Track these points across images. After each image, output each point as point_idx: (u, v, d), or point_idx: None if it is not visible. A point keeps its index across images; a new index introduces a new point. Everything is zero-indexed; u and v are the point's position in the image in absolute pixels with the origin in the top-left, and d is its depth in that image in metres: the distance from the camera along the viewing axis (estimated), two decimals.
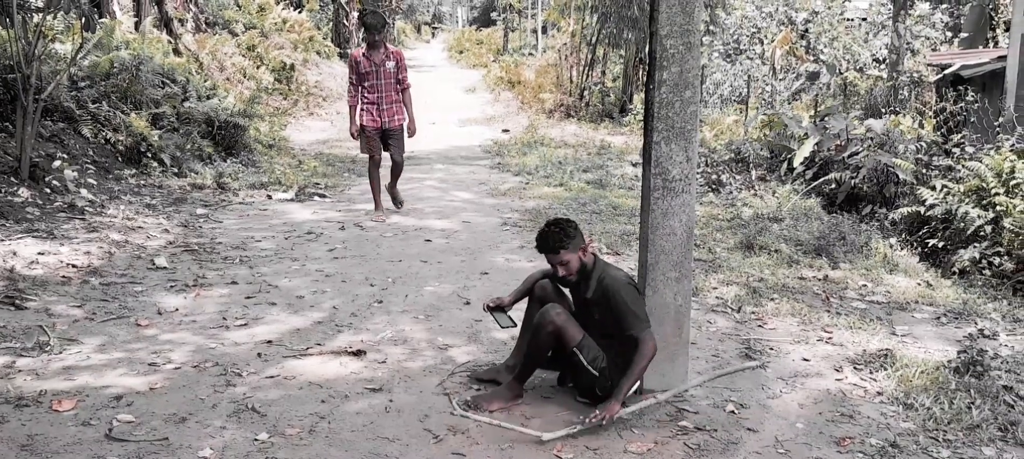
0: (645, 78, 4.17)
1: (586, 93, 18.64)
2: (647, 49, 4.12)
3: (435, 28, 62.72)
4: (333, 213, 8.44)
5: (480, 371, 4.36)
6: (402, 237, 7.46)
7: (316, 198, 9.32)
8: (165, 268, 6.07)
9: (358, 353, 4.56)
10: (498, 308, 4.20)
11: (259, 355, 4.49)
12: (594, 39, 18.45)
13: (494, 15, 45.52)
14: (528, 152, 13.03)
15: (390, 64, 7.59)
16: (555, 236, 3.93)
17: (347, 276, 6.13)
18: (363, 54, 7.59)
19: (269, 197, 9.13)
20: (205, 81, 12.65)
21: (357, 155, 12.76)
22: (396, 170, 8.06)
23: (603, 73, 19.61)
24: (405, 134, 7.92)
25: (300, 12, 22.51)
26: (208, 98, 11.17)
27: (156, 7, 14.32)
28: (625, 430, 3.71)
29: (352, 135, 7.78)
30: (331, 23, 26.81)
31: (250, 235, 7.30)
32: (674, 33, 3.91)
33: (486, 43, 39.06)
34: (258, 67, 16.39)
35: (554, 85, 20.08)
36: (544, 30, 33.69)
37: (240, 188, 9.34)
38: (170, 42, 13.53)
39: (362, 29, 7.69)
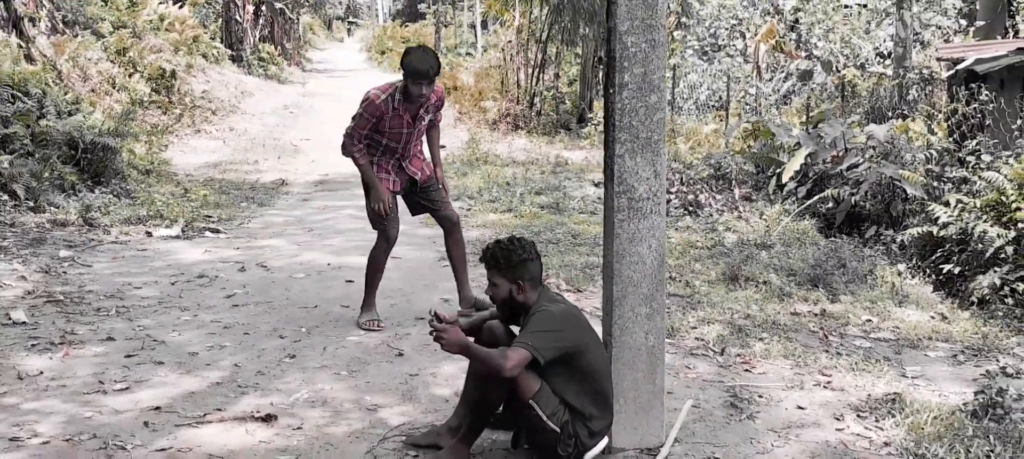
0: (604, 82, 4.38)
1: (537, 100, 18.97)
2: (605, 48, 4.33)
3: (351, 24, 62.96)
4: (230, 252, 8.49)
5: (417, 435, 4.47)
6: (317, 278, 7.55)
7: (208, 234, 9.36)
8: (24, 323, 6.07)
9: (268, 418, 4.64)
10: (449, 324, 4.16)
11: (146, 424, 4.53)
12: (545, 36, 18.81)
13: (423, 7, 45.91)
14: (469, 172, 13.22)
15: (428, 118, 6.31)
16: (496, 252, 4.19)
17: (251, 327, 6.20)
18: (394, 106, 6.06)
19: (149, 234, 9.14)
20: (65, 94, 12.61)
21: (258, 180, 12.85)
22: (454, 234, 6.59)
23: (557, 76, 20.01)
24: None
25: (181, 7, 22.50)
26: (70, 115, 11.16)
27: (1, 5, 14.24)
28: None
29: (377, 209, 6.31)
30: (220, 20, 26.81)
31: (127, 281, 7.32)
32: (636, 29, 4.13)
33: (414, 41, 39.37)
34: (131, 75, 16.36)
35: (498, 91, 20.39)
36: (484, 25, 34.14)
37: (112, 224, 9.33)
38: (20, 46, 13.45)
39: (411, 76, 5.95)
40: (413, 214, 6.72)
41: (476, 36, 33.47)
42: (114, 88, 15.47)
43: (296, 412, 4.76)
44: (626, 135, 4.20)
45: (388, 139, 6.19)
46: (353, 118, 6.20)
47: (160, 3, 21.08)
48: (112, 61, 16.47)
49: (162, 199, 10.76)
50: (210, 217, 10.11)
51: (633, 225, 4.24)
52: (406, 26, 46.05)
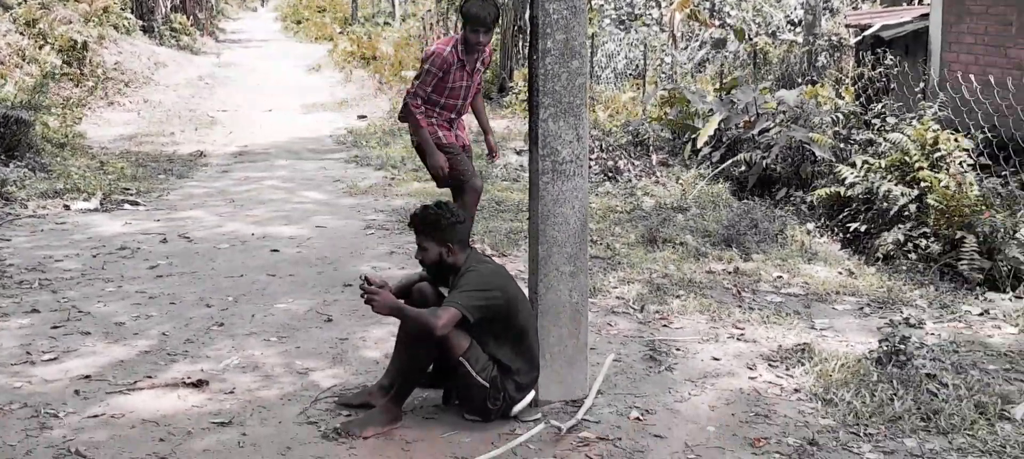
0: (528, 50, 4.51)
1: None
2: (527, 15, 4.46)
3: None
4: (150, 224, 8.44)
5: (349, 396, 4.59)
6: (242, 249, 7.57)
7: (127, 206, 9.27)
8: None
9: (199, 384, 4.71)
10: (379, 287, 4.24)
11: (77, 392, 4.57)
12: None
13: None
14: (391, 141, 13.24)
15: (482, 70, 6.44)
16: (424, 217, 4.32)
17: (177, 297, 6.21)
18: (459, 57, 6.13)
19: (67, 207, 9.02)
20: None
21: (175, 152, 12.70)
22: (475, 201, 6.72)
23: None
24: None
25: None
26: None
27: None
28: (521, 447, 4.02)
29: (439, 172, 6.37)
30: None
31: (48, 254, 7.24)
32: None
33: (330, 10, 38.95)
34: (41, 47, 15.95)
35: (419, 60, 20.37)
36: None
37: (29, 198, 9.18)
38: None
39: (461, 19, 6.22)
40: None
41: (394, 5, 33.22)
42: (24, 61, 15.07)
43: (227, 377, 4.83)
44: (549, 100, 4.34)
45: (448, 97, 6.24)
46: (416, 77, 6.27)
47: None
48: (21, 33, 16.03)
49: (78, 172, 10.59)
50: (128, 190, 9.99)
51: (557, 187, 4.39)
52: None
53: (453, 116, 6.40)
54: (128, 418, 4.31)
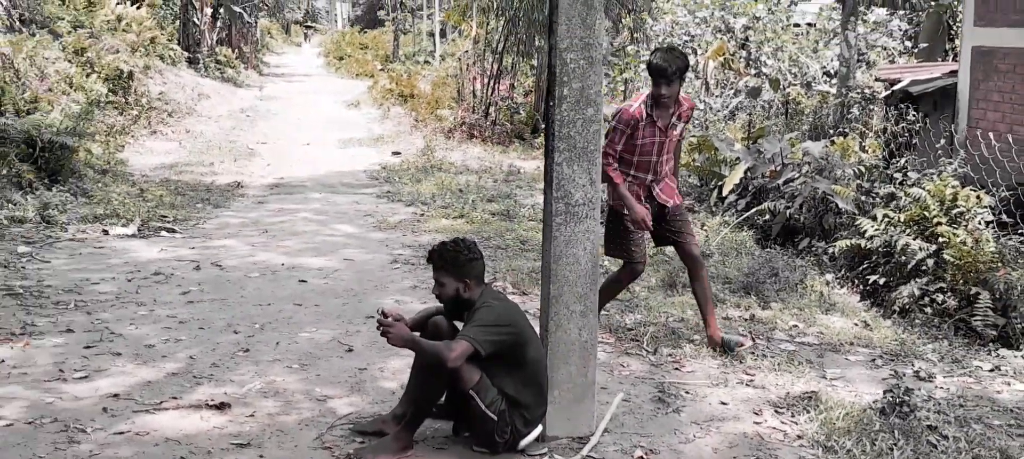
0: (545, 97, 4.69)
1: (492, 110, 19.27)
2: (547, 63, 4.65)
3: (309, 28, 62.94)
4: (185, 251, 8.69)
5: (363, 423, 4.76)
6: (272, 278, 7.79)
7: (164, 233, 9.54)
8: None
9: (222, 406, 4.90)
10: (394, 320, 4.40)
11: (105, 410, 4.78)
12: (500, 46, 19.13)
13: (382, 14, 46.16)
14: (423, 178, 13.49)
15: (679, 126, 6.07)
16: (443, 253, 4.48)
17: (206, 322, 6.43)
18: (648, 113, 5.87)
19: (106, 232, 9.31)
20: (23, 92, 12.69)
21: (213, 182, 13.02)
22: (697, 272, 6.21)
23: (512, 87, 20.33)
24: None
25: (139, 8, 22.53)
26: (28, 113, 11.26)
27: None
28: None
29: (641, 224, 5.97)
30: (178, 22, 26.85)
31: (85, 277, 7.51)
32: (574, 46, 4.45)
33: (372, 47, 39.60)
34: (88, 75, 16.41)
35: (454, 100, 20.66)
36: (443, 33, 34.42)
37: (70, 222, 9.49)
38: None
39: (652, 75, 5.84)
40: (657, 245, 6.48)
41: (435, 44, 33.72)
42: (71, 88, 15.51)
43: (249, 401, 5.02)
44: (564, 145, 4.52)
45: (640, 154, 5.92)
46: (606, 136, 5.85)
47: (118, 3, 21.11)
48: (70, 61, 16.50)
49: (118, 198, 10.91)
50: (166, 217, 10.28)
51: (570, 229, 4.56)
52: (365, 32, 46.21)
53: (649, 178, 5.99)
54: (152, 436, 4.51)
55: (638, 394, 5.32)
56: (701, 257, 6.26)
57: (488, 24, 19.98)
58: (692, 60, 21.27)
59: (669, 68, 5.70)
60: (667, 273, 8.02)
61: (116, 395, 4.99)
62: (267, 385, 5.27)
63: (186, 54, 25.03)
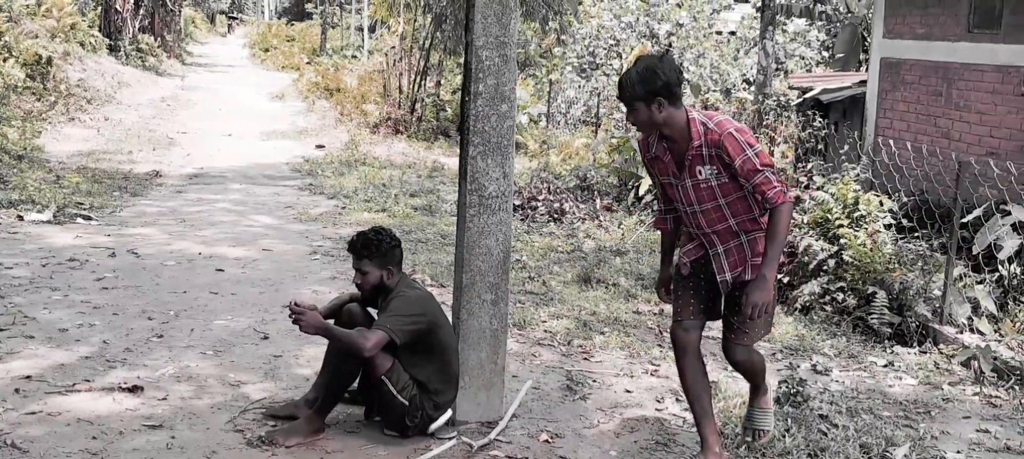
0: (461, 93, 4.83)
1: (418, 106, 19.34)
2: (463, 59, 4.78)
3: (233, 19, 62.14)
4: (101, 238, 8.63)
5: (276, 408, 4.83)
6: (187, 266, 7.79)
7: (79, 220, 9.44)
8: None
9: (134, 389, 4.94)
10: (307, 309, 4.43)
11: (17, 391, 4.78)
12: (428, 43, 19.21)
13: (310, 7, 45.80)
14: (346, 172, 13.52)
15: (706, 171, 4.11)
16: (367, 241, 4.57)
17: (120, 308, 6.43)
18: (655, 143, 4.26)
19: (20, 218, 9.18)
20: None
21: (132, 170, 12.88)
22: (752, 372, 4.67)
23: (439, 84, 20.42)
24: (759, 301, 4.04)
25: None
26: None
27: None
28: None
29: (660, 296, 4.82)
30: (99, 8, 26.35)
31: None
32: (490, 44, 4.59)
33: (299, 40, 39.34)
34: (5, 60, 16.08)
35: (381, 95, 20.68)
36: (372, 29, 34.33)
37: None
38: None
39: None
40: (708, 318, 4.51)
41: (363, 39, 33.62)
42: None
43: (162, 385, 5.06)
44: (479, 139, 4.66)
45: (669, 194, 4.37)
46: None
47: None
48: None
49: (34, 185, 10.75)
50: (82, 204, 10.17)
51: (482, 220, 4.70)
52: (292, 25, 45.84)
53: (694, 230, 4.31)
54: (64, 417, 4.53)
55: (548, 382, 5.50)
56: (753, 364, 4.55)
57: (416, 21, 20.05)
58: (616, 64, 21.65)
59: (623, 91, 4.11)
60: (582, 269, 8.22)
61: (28, 377, 4.99)
62: (181, 370, 5.31)
63: (107, 41, 24.63)
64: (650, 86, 4.00)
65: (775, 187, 3.98)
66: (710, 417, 4.40)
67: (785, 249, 8.13)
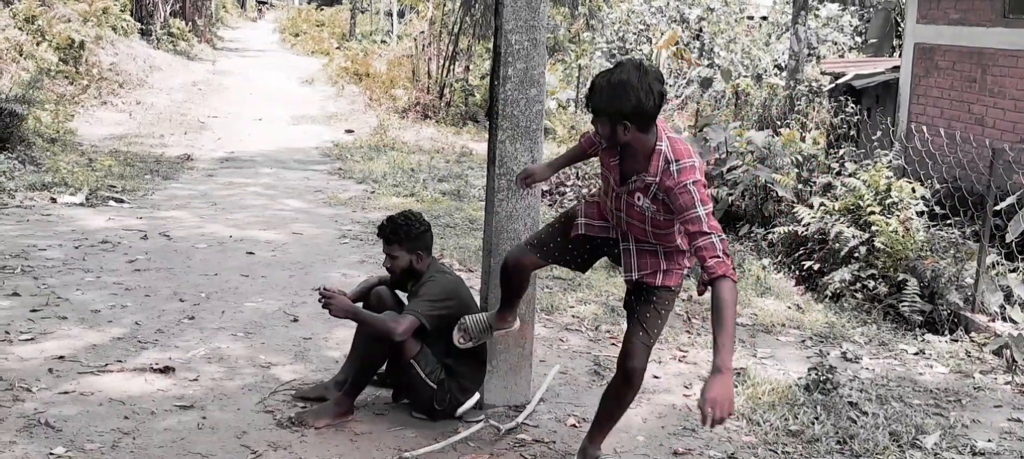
0: (490, 77, 4.83)
1: (447, 91, 19.36)
2: (493, 44, 4.78)
3: (264, 3, 62.34)
4: (133, 221, 8.72)
5: (305, 389, 4.88)
6: (218, 249, 7.86)
7: (112, 203, 9.54)
8: None
9: (165, 370, 4.99)
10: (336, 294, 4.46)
11: (50, 371, 4.85)
12: (457, 28, 19.21)
13: None
14: (375, 157, 13.56)
15: (645, 203, 3.71)
16: (396, 225, 4.60)
17: (152, 290, 6.50)
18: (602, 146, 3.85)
19: (54, 200, 9.30)
20: None
21: (163, 154, 13.00)
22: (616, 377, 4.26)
23: (467, 69, 20.42)
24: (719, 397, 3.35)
25: None
26: None
27: None
28: (461, 443, 4.32)
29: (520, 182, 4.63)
30: None
31: (32, 243, 7.52)
32: (519, 28, 4.59)
33: (329, 26, 39.38)
34: (38, 44, 16.24)
35: (409, 80, 20.71)
36: (401, 14, 34.33)
37: (17, 189, 9.46)
38: None
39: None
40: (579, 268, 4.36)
41: (392, 24, 33.64)
42: (21, 56, 15.35)
43: (193, 366, 5.12)
44: (508, 123, 4.67)
45: (602, 179, 4.01)
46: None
47: None
48: (20, 28, 16.31)
49: (67, 167, 10.87)
50: (114, 187, 10.27)
51: (511, 204, 4.71)
52: (322, 10, 45.91)
53: (611, 219, 3.99)
54: (97, 396, 4.59)
55: (575, 367, 5.51)
56: (630, 370, 4.09)
57: (445, 6, 20.05)
58: (646, 49, 21.57)
59: (590, 96, 3.61)
60: None
61: (62, 357, 5.06)
62: (211, 352, 5.36)
63: (139, 25, 24.77)
64: (618, 106, 3.50)
65: (718, 256, 3.45)
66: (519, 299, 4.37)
67: (816, 236, 8.10)
